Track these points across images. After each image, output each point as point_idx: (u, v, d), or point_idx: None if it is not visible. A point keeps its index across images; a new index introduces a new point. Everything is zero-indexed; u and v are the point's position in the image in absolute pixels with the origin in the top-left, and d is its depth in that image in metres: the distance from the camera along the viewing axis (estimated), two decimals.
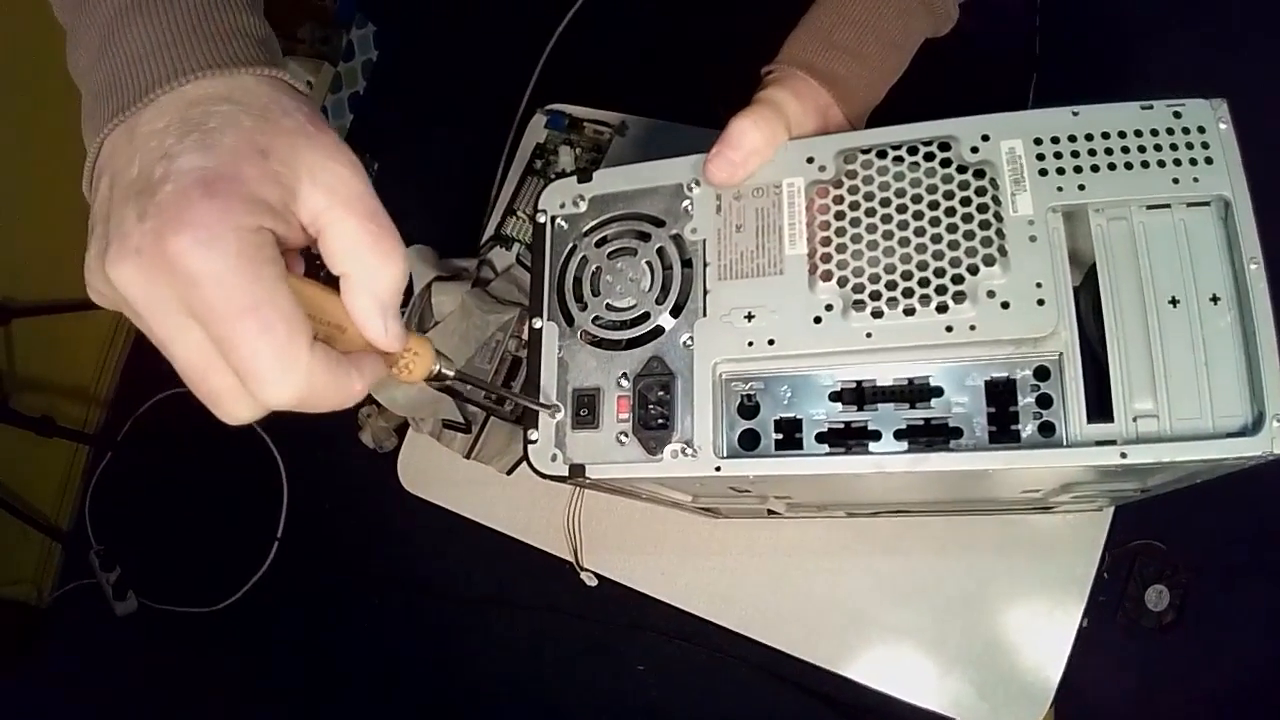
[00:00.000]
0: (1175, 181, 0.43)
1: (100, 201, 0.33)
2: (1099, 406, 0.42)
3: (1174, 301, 0.42)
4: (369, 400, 1.06)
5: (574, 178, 0.52)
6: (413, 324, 0.96)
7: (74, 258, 0.35)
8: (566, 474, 0.48)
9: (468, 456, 0.96)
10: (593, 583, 0.90)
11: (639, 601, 0.89)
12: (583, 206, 0.51)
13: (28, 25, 1.44)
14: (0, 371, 1.77)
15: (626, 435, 0.47)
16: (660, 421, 0.46)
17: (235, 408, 0.32)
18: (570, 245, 0.51)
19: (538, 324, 0.50)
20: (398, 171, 1.96)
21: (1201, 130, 0.43)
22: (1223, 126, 0.43)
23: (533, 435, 0.49)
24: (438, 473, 1.00)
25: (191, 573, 1.93)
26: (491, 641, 1.66)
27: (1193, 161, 0.43)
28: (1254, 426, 0.40)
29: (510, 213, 1.03)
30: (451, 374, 0.40)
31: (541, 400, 0.48)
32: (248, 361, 0.31)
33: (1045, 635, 0.77)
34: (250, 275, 0.30)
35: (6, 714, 1.91)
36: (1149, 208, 0.44)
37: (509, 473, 0.94)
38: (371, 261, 0.34)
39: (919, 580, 0.81)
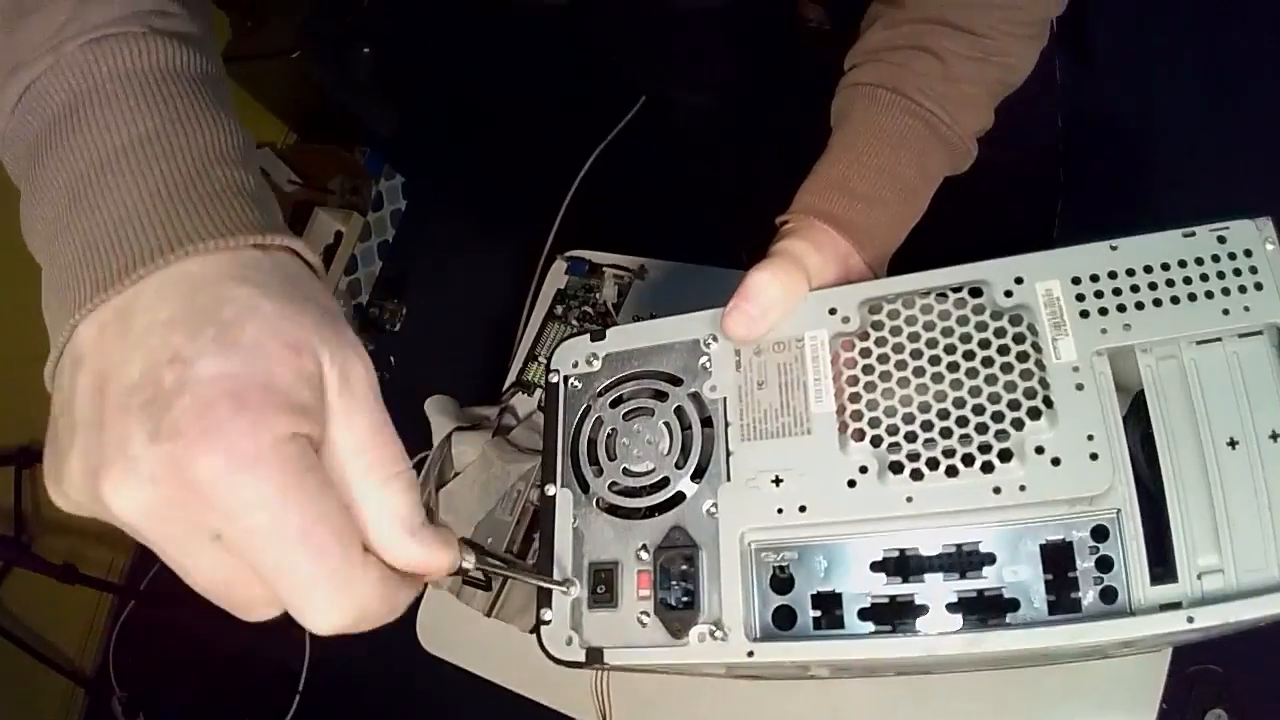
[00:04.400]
0: (1225, 312, 0.40)
1: (82, 404, 0.27)
2: (1158, 559, 0.39)
3: (1233, 443, 0.39)
4: None
5: (587, 335, 0.50)
6: (432, 476, 0.94)
7: None
8: (583, 659, 0.44)
9: (489, 614, 0.91)
10: None
11: None
12: (596, 365, 0.49)
13: None
14: (24, 515, 1.77)
15: (648, 615, 0.43)
16: (685, 600, 0.42)
17: (265, 612, 0.29)
18: (585, 406, 0.48)
19: (551, 491, 0.47)
20: (425, 318, 1.99)
21: (1249, 254, 0.41)
22: (1270, 247, 0.41)
23: (546, 615, 0.45)
24: (458, 631, 0.95)
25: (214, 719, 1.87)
26: None
27: (1241, 289, 0.40)
28: None
29: (532, 358, 1.02)
30: (472, 565, 0.36)
31: (555, 577, 0.45)
32: (298, 592, 0.27)
33: None
34: (298, 496, 0.26)
35: None
36: (1199, 342, 0.41)
37: (533, 631, 0.89)
38: (375, 480, 0.29)
39: None
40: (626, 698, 0.85)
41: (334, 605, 0.27)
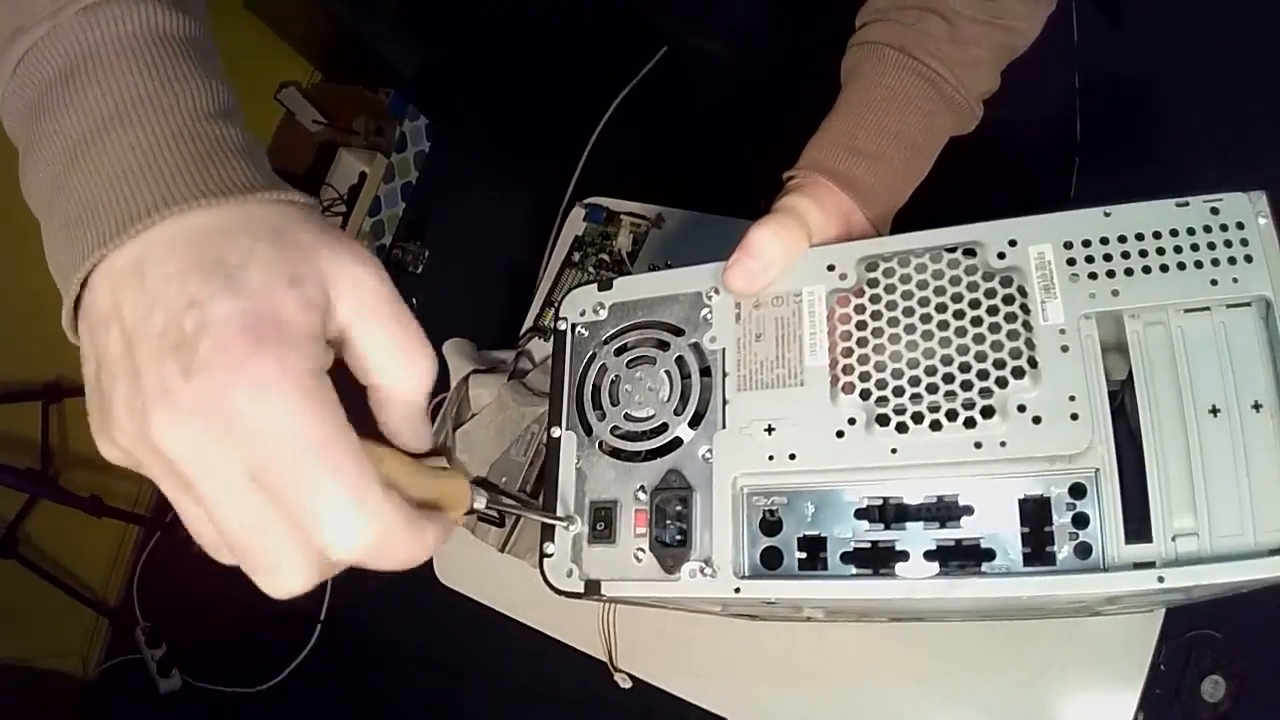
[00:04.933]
0: (1214, 283, 0.41)
1: (115, 356, 0.30)
2: (1138, 521, 0.40)
3: (1214, 410, 0.40)
4: None
5: (595, 285, 0.52)
6: (450, 416, 0.97)
7: None
8: (582, 590, 0.46)
9: (502, 550, 0.94)
10: (626, 684, 0.87)
11: (682, 702, 0.86)
12: (603, 314, 0.51)
13: None
14: (52, 449, 1.81)
15: (644, 552, 0.45)
16: (678, 538, 0.45)
17: (292, 573, 0.30)
18: (590, 353, 0.51)
19: (556, 433, 0.50)
20: (447, 260, 2.01)
21: (1240, 226, 0.41)
22: (1262, 221, 0.41)
23: (548, 549, 0.48)
24: (473, 565, 0.99)
25: (235, 653, 1.93)
26: None
27: (1231, 260, 0.41)
28: None
29: (549, 304, 1.04)
30: (483, 504, 0.39)
31: (558, 513, 0.47)
32: (318, 508, 0.29)
33: None
34: (315, 418, 0.29)
35: None
36: (1187, 311, 0.42)
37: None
38: (397, 366, 0.33)
39: (968, 685, 0.77)
40: (631, 634, 0.88)
41: (354, 523, 0.29)
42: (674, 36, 0.99)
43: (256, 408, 0.28)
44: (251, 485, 0.29)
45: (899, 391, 0.42)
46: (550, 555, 0.48)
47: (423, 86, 2.10)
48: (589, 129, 1.33)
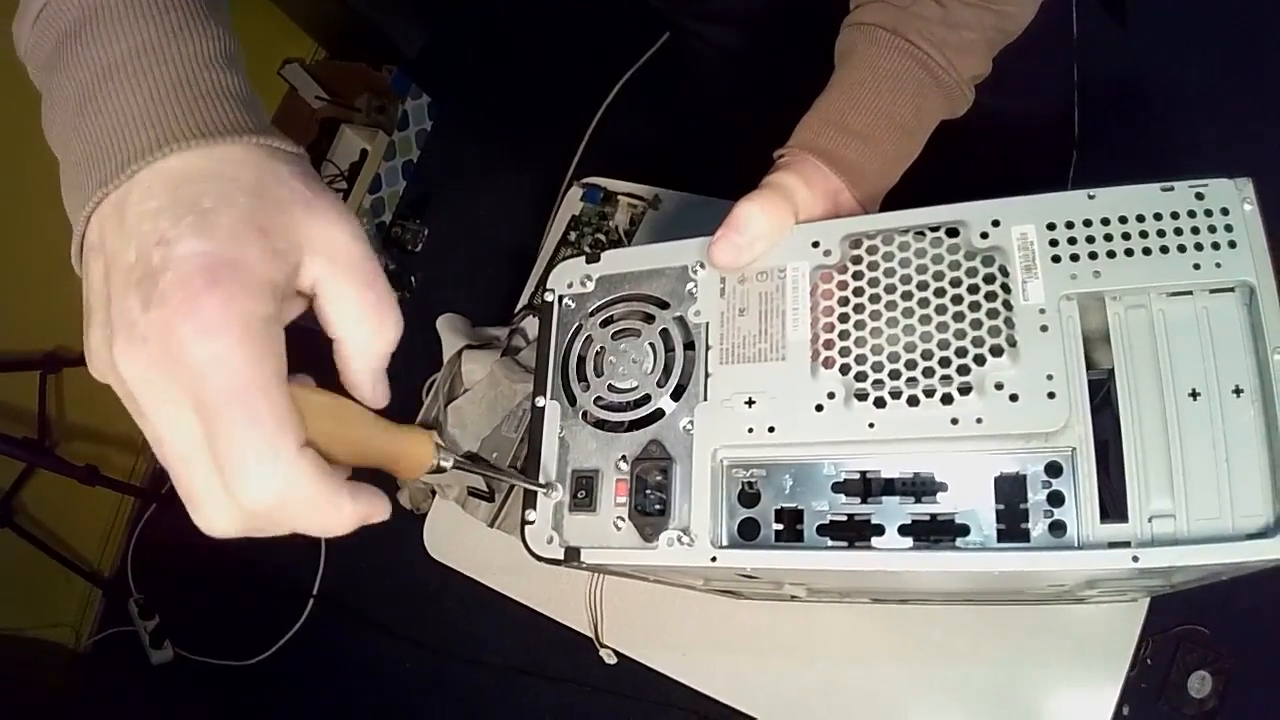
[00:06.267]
0: (1197, 267, 0.41)
1: (97, 285, 0.32)
2: (1116, 501, 0.40)
3: (1194, 394, 0.40)
4: None
5: (582, 258, 0.52)
6: (442, 391, 0.97)
7: None
8: (562, 557, 0.47)
9: (491, 525, 0.95)
10: (612, 660, 0.88)
11: (666, 679, 0.86)
12: (590, 286, 0.51)
13: None
14: (50, 419, 1.81)
15: (623, 520, 0.46)
16: (657, 507, 0.45)
17: (214, 512, 0.31)
18: (576, 325, 0.51)
19: (540, 402, 0.50)
20: (446, 239, 2.01)
21: (1225, 212, 0.41)
22: (1247, 208, 0.41)
23: (530, 516, 0.48)
24: (463, 540, 0.99)
25: (228, 625, 1.95)
26: (519, 712, 1.63)
27: (1215, 245, 0.41)
28: (1276, 527, 0.37)
29: (544, 283, 1.04)
30: (449, 465, 0.40)
31: (539, 480, 0.48)
32: (231, 450, 0.30)
33: None
34: (246, 362, 0.30)
35: None
36: (1169, 295, 0.42)
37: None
38: (366, 328, 0.34)
39: (949, 669, 0.78)
40: (617, 611, 0.89)
41: (258, 473, 0.30)
42: (676, 22, 0.98)
43: (198, 344, 0.29)
44: (193, 418, 0.30)
45: (878, 367, 0.43)
46: (532, 523, 0.48)
47: (426, 65, 2.10)
48: (591, 111, 1.33)
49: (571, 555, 0.46)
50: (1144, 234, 0.42)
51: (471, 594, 1.00)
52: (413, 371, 0.84)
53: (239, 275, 0.30)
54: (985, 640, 0.77)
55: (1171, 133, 1.39)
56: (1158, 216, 0.42)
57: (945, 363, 0.42)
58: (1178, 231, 0.42)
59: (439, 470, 0.39)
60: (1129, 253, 0.42)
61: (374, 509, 0.34)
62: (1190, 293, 0.42)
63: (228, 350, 0.29)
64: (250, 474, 0.30)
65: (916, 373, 0.42)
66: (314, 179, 0.35)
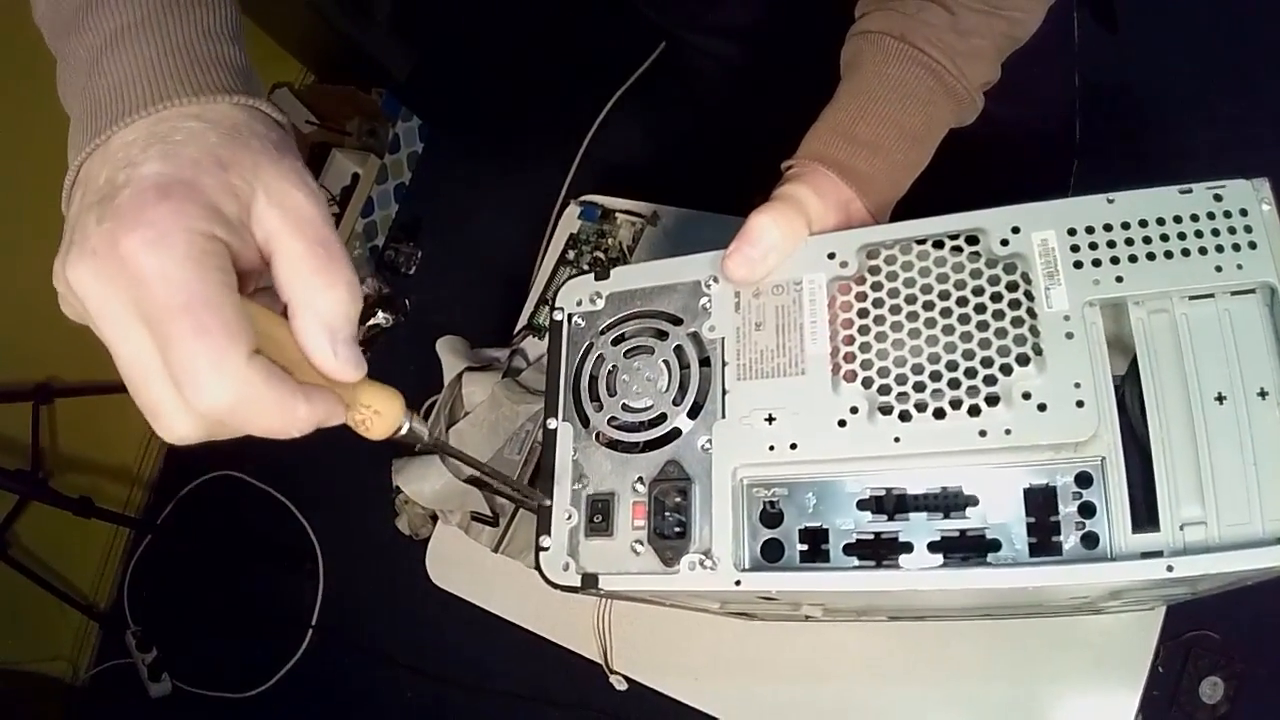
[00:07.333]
0: (1218, 269, 0.41)
1: (72, 213, 0.34)
2: (1145, 510, 0.39)
3: (1220, 398, 0.40)
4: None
5: (591, 275, 0.51)
6: (443, 415, 0.96)
7: None
8: (579, 584, 0.45)
9: (496, 550, 0.93)
10: (622, 687, 0.86)
11: (678, 704, 0.85)
12: (600, 304, 0.50)
13: None
14: (43, 451, 1.79)
15: (642, 544, 0.44)
16: (677, 530, 0.44)
17: (173, 420, 0.32)
18: (587, 343, 0.50)
19: (552, 424, 0.49)
20: (441, 261, 1.99)
21: (1244, 213, 0.41)
22: (1265, 208, 0.41)
23: (544, 541, 0.47)
24: (467, 566, 0.98)
25: (226, 657, 1.92)
26: None
27: (1235, 247, 0.41)
28: None
29: (543, 302, 1.03)
30: (426, 435, 0.38)
31: (534, 496, 0.47)
32: (182, 361, 0.30)
33: None
34: (193, 275, 0.30)
35: None
36: (1191, 298, 0.41)
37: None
38: (316, 284, 0.34)
39: (966, 685, 0.76)
40: (626, 636, 0.87)
41: (212, 381, 0.30)
42: (672, 34, 0.98)
43: (145, 254, 0.30)
44: (145, 330, 0.31)
45: (902, 379, 0.42)
46: (546, 549, 0.47)
47: (416, 87, 2.10)
48: (584, 127, 1.32)
49: (589, 582, 0.45)
50: (1164, 237, 0.42)
51: (475, 620, 0.98)
52: (413, 395, 0.83)
53: (191, 193, 0.31)
54: (1001, 654, 0.76)
55: (1169, 137, 1.39)
56: (1177, 219, 0.42)
57: (971, 373, 0.41)
58: (1198, 234, 0.41)
59: (413, 438, 0.38)
60: (1150, 256, 0.42)
61: (330, 412, 0.34)
62: (1212, 295, 0.41)
63: (173, 263, 0.30)
64: (203, 382, 0.30)
65: (942, 384, 0.41)
66: (288, 145, 0.37)
